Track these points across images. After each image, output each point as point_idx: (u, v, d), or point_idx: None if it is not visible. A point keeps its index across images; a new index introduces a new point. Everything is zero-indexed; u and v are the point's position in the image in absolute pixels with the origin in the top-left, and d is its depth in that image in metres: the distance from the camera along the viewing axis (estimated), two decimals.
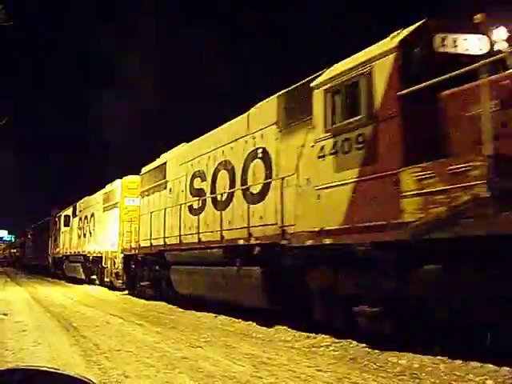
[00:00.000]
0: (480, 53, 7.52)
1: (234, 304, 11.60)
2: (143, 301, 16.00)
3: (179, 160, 14.93)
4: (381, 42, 8.13)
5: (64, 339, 9.02)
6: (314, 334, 9.23)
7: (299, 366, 6.89)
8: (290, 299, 9.79)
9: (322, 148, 8.67)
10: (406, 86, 7.26)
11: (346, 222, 8.02)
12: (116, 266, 20.64)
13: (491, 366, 6.34)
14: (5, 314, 12.42)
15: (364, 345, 8.19)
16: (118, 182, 21.97)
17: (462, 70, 6.63)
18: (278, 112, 10.36)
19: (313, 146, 8.91)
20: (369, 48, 8.30)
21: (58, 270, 32.53)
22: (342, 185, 8.18)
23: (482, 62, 6.41)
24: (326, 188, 8.50)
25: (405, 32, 7.82)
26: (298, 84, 9.96)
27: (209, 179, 13.00)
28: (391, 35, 7.98)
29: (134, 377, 6.24)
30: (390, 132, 7.47)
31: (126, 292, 19.07)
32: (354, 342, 8.41)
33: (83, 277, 25.66)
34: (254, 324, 10.59)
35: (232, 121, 12.49)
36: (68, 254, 29.95)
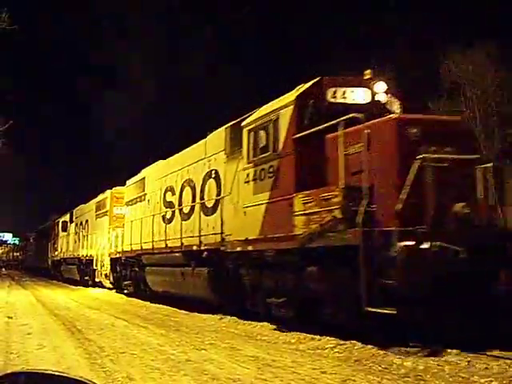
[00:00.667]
0: (364, 102, 9.71)
1: (191, 298, 14.01)
2: (147, 303, 16.03)
3: (155, 176, 17.26)
4: (286, 95, 10.22)
5: (68, 342, 9.02)
6: (318, 336, 9.22)
7: (304, 368, 6.88)
8: (230, 293, 12.02)
9: (247, 175, 10.91)
10: (300, 131, 9.45)
11: (261, 234, 10.27)
12: (105, 267, 22.75)
13: (496, 368, 6.34)
14: (10, 317, 12.45)
15: (370, 346, 8.18)
16: (107, 193, 24.19)
17: (327, 124, 8.92)
18: (225, 141, 12.44)
19: (242, 172, 11.19)
20: (278, 98, 10.45)
21: (57, 272, 34.82)
22: (258, 205, 10.41)
23: (341, 118, 8.55)
24: (249, 207, 10.76)
25: (302, 88, 9.92)
26: (237, 120, 12.04)
27: (177, 193, 15.14)
28: (296, 88, 10.05)
29: (139, 379, 6.24)
30: (287, 166, 9.69)
31: (127, 292, 19.11)
32: (359, 344, 8.40)
33: (78, 278, 27.97)
34: (259, 326, 10.59)
35: (194, 145, 14.62)
36: (65, 257, 32.14)
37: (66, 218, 33.36)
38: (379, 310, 7.37)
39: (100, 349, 8.23)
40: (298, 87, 10.07)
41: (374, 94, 9.88)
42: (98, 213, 25.45)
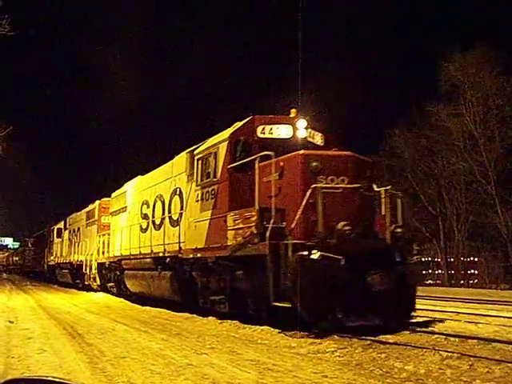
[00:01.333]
0: (287, 137, 11.94)
1: (159, 297, 15.95)
2: (148, 307, 16.00)
3: (134, 190, 19.31)
4: (224, 131, 12.54)
5: (69, 346, 9.00)
6: (319, 340, 9.23)
7: (305, 372, 6.87)
8: (188, 292, 13.91)
9: (197, 195, 13.19)
10: (233, 162, 11.74)
11: (206, 244, 12.56)
12: (93, 271, 24.63)
13: (498, 371, 6.33)
14: (11, 322, 12.44)
15: (370, 350, 8.20)
16: (96, 203, 26.17)
17: (249, 158, 11.21)
18: (186, 164, 14.28)
19: (193, 192, 13.49)
20: (219, 134, 12.80)
21: (52, 275, 36.87)
22: (204, 220, 12.75)
23: (257, 155, 10.77)
24: (198, 221, 13.08)
25: (235, 126, 12.25)
26: (194, 147, 14.00)
27: (151, 207, 17.06)
28: (233, 125, 12.36)
29: None
30: (223, 190, 11.90)
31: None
32: (360, 348, 8.42)
33: (71, 281, 30.01)
34: (259, 330, 10.57)
35: (164, 165, 16.46)
36: (59, 262, 34.14)
37: (61, 225, 35.23)
38: (280, 304, 9.75)
39: (101, 353, 8.22)
40: (234, 125, 12.44)
41: (295, 130, 12.05)
42: (88, 221, 27.46)
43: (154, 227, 16.51)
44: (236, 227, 11.00)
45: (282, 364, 7.40)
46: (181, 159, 14.87)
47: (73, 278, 29.63)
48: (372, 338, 9.21)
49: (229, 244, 11.27)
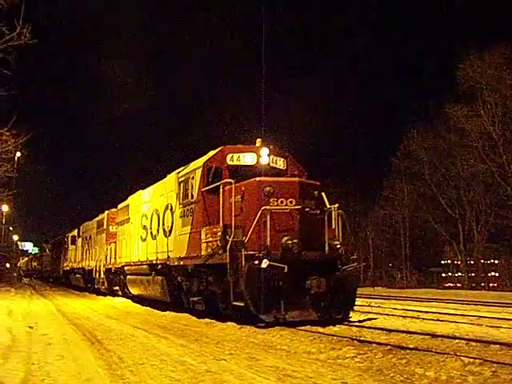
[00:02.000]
0: (252, 163, 14.06)
1: (153, 299, 18.19)
2: (166, 312, 16.00)
3: (136, 203, 21.10)
4: (200, 159, 14.65)
5: (88, 352, 9.01)
6: (338, 346, 9.16)
7: (324, 379, 6.81)
8: (176, 295, 16.04)
9: (180, 212, 15.38)
10: (207, 185, 13.95)
11: (186, 253, 14.74)
12: (101, 276, 26.91)
13: None
14: (31, 327, 12.51)
15: (390, 356, 8.11)
16: (105, 213, 27.96)
17: (216, 184, 13.50)
18: (174, 183, 15.95)
19: (178, 209, 15.61)
20: (196, 160, 14.93)
21: (67, 280, 39.83)
22: (185, 234, 14.94)
23: (220, 182, 13.29)
24: (181, 234, 15.27)
25: (209, 155, 14.41)
26: (180, 169, 15.94)
27: (149, 219, 18.85)
28: (207, 154, 14.56)
29: None
30: (198, 209, 14.19)
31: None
32: (380, 354, 8.33)
33: (83, 285, 32.30)
34: (278, 335, 10.53)
35: (159, 182, 18.34)
36: (74, 267, 36.39)
37: (75, 233, 37.62)
38: (237, 303, 11.96)
39: (120, 359, 8.21)
40: (208, 153, 14.61)
41: (259, 157, 14.17)
42: (98, 230, 29.47)
43: (152, 237, 18.33)
44: (207, 240, 13.44)
45: (302, 370, 7.34)
46: (171, 179, 16.67)
47: (85, 282, 31.83)
48: (392, 344, 9.14)
49: (202, 254, 13.64)
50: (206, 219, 13.76)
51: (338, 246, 12.82)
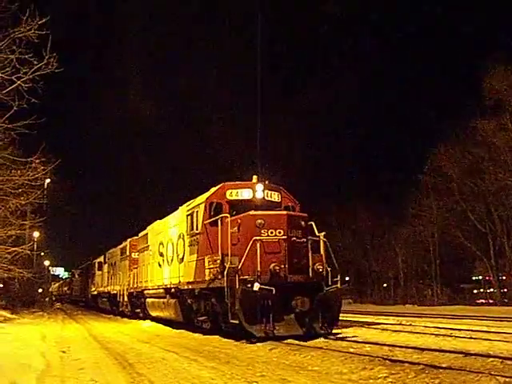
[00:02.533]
0: (249, 198, 15.75)
1: (169, 319, 19.85)
2: (196, 335, 16.02)
3: (154, 232, 23.14)
4: (203, 195, 16.50)
5: (120, 377, 9.05)
6: (370, 365, 9.09)
7: None
8: (187, 315, 17.66)
9: (188, 241, 17.12)
10: (209, 218, 15.68)
11: (194, 278, 16.37)
12: (125, 299, 28.59)
13: None
14: (63, 351, 12.63)
15: (423, 375, 8.02)
16: (128, 241, 29.45)
17: (217, 217, 15.23)
18: (184, 215, 17.84)
19: (186, 239, 17.33)
20: (200, 196, 16.80)
21: (95, 303, 41.45)
22: (192, 261, 16.60)
23: (218, 216, 15.10)
24: (189, 262, 16.92)
25: (211, 191, 16.23)
26: (188, 203, 17.80)
27: (165, 247, 20.57)
28: (209, 190, 16.41)
29: None
30: (203, 240, 15.91)
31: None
32: (412, 373, 8.24)
33: (109, 308, 34.14)
34: (309, 356, 10.48)
35: (172, 214, 20.25)
36: (100, 291, 38.45)
37: (101, 259, 39.64)
38: (233, 321, 13.71)
39: (151, 383, 8.26)
40: (210, 190, 16.45)
41: (254, 192, 15.92)
42: (121, 256, 31.04)
43: (167, 263, 20.07)
44: (210, 267, 15.04)
45: None
46: (182, 211, 18.56)
47: (110, 305, 33.76)
48: (425, 363, 9.03)
49: (206, 279, 15.23)
50: (209, 248, 15.46)
51: (321, 270, 14.35)
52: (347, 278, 64.89)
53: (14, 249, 14.71)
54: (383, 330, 16.53)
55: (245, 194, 16.05)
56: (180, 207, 18.93)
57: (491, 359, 9.38)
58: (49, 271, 71.79)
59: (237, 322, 13.50)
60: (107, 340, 15.88)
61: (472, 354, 10.01)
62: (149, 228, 24.26)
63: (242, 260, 13.62)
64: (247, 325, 13.20)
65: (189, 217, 17.09)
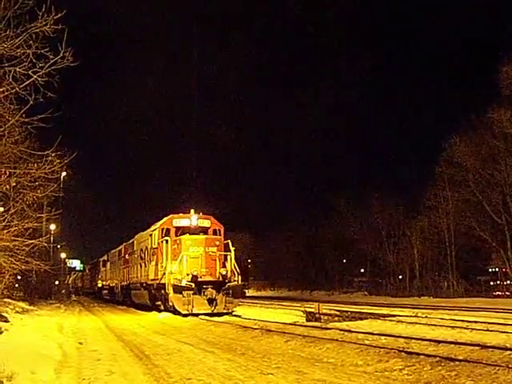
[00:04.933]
0: (187, 225, 23.27)
1: (144, 304, 27.49)
2: (212, 327, 16.10)
3: (137, 241, 30.60)
4: (158, 222, 25.08)
5: (136, 368, 9.13)
6: (386, 358, 9.08)
7: None
8: (153, 301, 25.16)
9: (152, 252, 25.45)
10: (161, 238, 23.71)
11: (154, 277, 24.41)
12: (119, 291, 36.83)
13: None
14: (80, 343, 12.75)
15: (439, 368, 8.00)
16: (123, 245, 36.34)
17: (162, 239, 23.75)
18: (149, 234, 26.42)
19: (150, 250, 25.77)
20: (158, 222, 25.26)
21: (99, 294, 51.31)
22: (153, 265, 24.75)
23: (162, 239, 23.75)
24: (152, 266, 24.97)
25: (163, 220, 24.67)
26: (152, 226, 26.26)
27: (144, 253, 27.87)
28: (162, 220, 24.93)
29: None
30: (158, 251, 24.13)
31: (198, 318, 19.37)
32: (428, 366, 8.22)
33: (109, 298, 43.17)
34: (325, 348, 10.49)
35: (147, 230, 27.74)
36: (104, 284, 47.79)
37: (105, 257, 47.86)
38: (170, 304, 21.68)
39: (167, 375, 8.30)
40: (163, 218, 24.75)
41: (191, 221, 23.38)
42: (118, 257, 38.28)
43: (144, 265, 27.38)
44: (160, 270, 23.40)
45: (349, 383, 7.30)
46: (148, 231, 27.11)
47: (110, 295, 42.90)
48: (441, 355, 8.99)
49: (159, 277, 23.37)
50: (161, 258, 23.52)
51: (224, 273, 21.85)
52: (362, 270, 64.91)
53: (31, 241, 14.78)
54: (399, 322, 16.49)
55: (185, 222, 23.82)
56: (151, 227, 26.94)
57: (508, 352, 9.31)
58: (65, 264, 72.69)
59: (171, 304, 21.49)
60: (123, 332, 16.00)
61: (489, 347, 9.95)
62: (136, 237, 31.78)
63: (175, 267, 21.65)
64: (177, 306, 21.07)
65: (151, 236, 25.90)
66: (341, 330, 13.44)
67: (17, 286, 28.86)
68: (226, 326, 16.00)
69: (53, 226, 33.82)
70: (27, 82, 10.97)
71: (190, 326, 17.46)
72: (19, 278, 27.44)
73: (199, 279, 21.10)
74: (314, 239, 69.79)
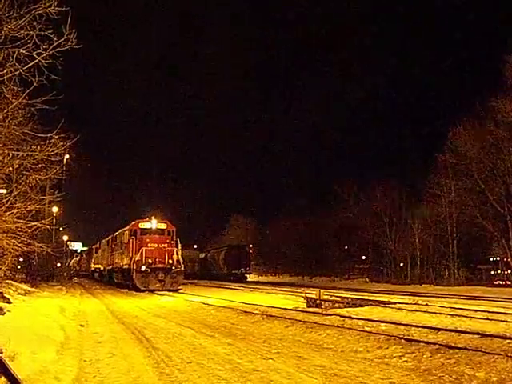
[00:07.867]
0: (150, 227, 32.75)
1: (118, 283, 36.53)
2: (213, 312, 16.16)
3: (119, 234, 37.54)
4: (129, 225, 34.25)
5: (137, 351, 9.19)
6: (385, 344, 9.11)
7: (372, 378, 6.80)
8: (124, 281, 34.44)
9: (123, 246, 35.52)
10: (129, 236, 33.30)
11: (124, 263, 34.52)
12: (105, 273, 44.74)
13: None
14: (82, 325, 12.83)
15: (439, 355, 8.03)
16: (110, 236, 42.89)
17: (132, 237, 33.29)
18: (123, 232, 36.05)
19: (122, 244, 35.94)
20: (128, 225, 34.83)
21: (91, 275, 59.54)
22: (125, 255, 34.74)
23: (131, 237, 32.96)
24: (124, 255, 35.02)
25: (133, 224, 33.59)
26: (124, 228, 36.10)
27: (121, 245, 36.12)
28: (131, 223, 34.28)
29: None
30: (127, 246, 33.67)
31: (199, 301, 19.36)
32: (428, 353, 8.25)
33: (98, 278, 51.79)
34: (325, 334, 10.53)
35: (120, 230, 37.22)
36: (95, 267, 56.08)
37: (97, 245, 55.19)
38: (133, 283, 31.03)
39: (168, 358, 8.36)
40: (132, 223, 33.69)
41: (153, 224, 32.47)
42: (107, 245, 44.90)
43: (121, 254, 35.54)
44: (128, 259, 32.45)
45: (349, 369, 7.34)
46: (125, 229, 35.14)
47: (100, 276, 50.93)
48: (441, 343, 9.03)
49: (126, 263, 32.87)
50: (130, 250, 31.91)
51: (171, 262, 30.58)
52: (363, 257, 65.00)
53: (33, 223, 14.84)
54: (399, 309, 16.53)
55: (147, 225, 32.32)
56: (125, 227, 35.16)
57: (508, 341, 9.33)
58: (67, 246, 73.03)
59: (135, 282, 29.96)
60: (125, 315, 16.08)
61: (488, 335, 9.98)
62: (119, 231, 38.41)
63: (138, 257, 30.20)
64: (138, 284, 29.77)
65: (124, 234, 34.71)
66: (341, 316, 13.49)
67: (19, 267, 28.94)
68: (227, 310, 16.06)
69: (55, 209, 33.93)
70: (31, 63, 10.94)
71: (191, 310, 17.52)
72: (21, 259, 27.52)
73: (153, 266, 30.24)
74: (315, 226, 69.77)
